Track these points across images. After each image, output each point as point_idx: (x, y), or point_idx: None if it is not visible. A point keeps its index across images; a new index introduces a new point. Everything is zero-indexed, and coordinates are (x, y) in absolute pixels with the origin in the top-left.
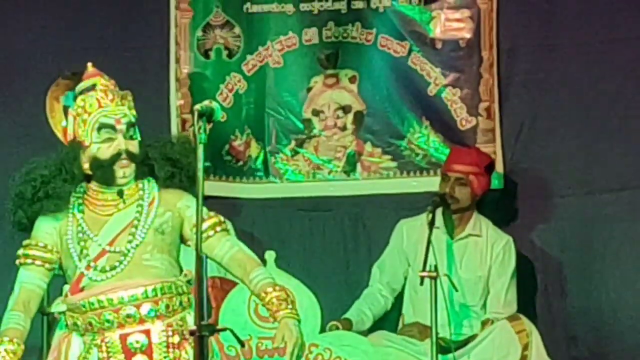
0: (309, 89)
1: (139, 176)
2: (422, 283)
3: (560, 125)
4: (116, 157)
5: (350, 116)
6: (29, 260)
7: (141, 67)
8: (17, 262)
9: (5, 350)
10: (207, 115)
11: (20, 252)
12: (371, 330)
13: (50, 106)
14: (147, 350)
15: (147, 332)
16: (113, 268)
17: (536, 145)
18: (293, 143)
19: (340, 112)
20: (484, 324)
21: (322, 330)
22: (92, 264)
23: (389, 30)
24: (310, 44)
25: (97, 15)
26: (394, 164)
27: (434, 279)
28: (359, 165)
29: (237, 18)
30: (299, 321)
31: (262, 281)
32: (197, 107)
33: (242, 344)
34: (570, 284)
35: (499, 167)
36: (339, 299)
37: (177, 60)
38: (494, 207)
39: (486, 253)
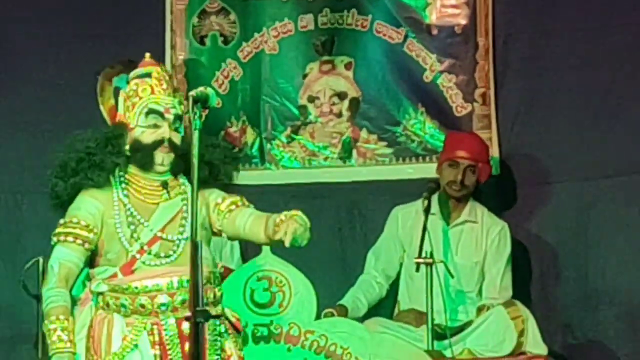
0: (305, 76)
1: (175, 170)
2: (417, 269)
3: (556, 112)
4: (158, 143)
5: (346, 103)
6: (70, 238)
7: (137, 54)
8: (55, 238)
9: (62, 328)
10: (202, 102)
11: (60, 229)
12: (366, 316)
13: (102, 85)
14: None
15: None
16: (167, 256)
17: (532, 131)
18: (289, 129)
19: (335, 99)
20: (479, 310)
21: (318, 317)
22: (145, 247)
23: (385, 16)
24: (306, 30)
25: (92, 2)
26: (389, 150)
27: (429, 265)
28: (354, 152)
29: (233, 4)
30: (303, 219)
31: (276, 217)
32: (193, 93)
33: (239, 331)
34: (566, 270)
35: (495, 153)
36: (334, 285)
37: (173, 47)
38: (490, 193)
39: (482, 239)
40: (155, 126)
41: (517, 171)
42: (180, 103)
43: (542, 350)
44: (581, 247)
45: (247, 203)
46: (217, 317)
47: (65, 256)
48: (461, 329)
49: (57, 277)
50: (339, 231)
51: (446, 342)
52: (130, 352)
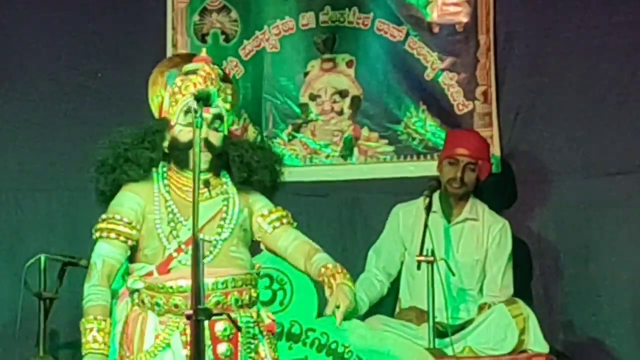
0: (306, 74)
1: (214, 169)
2: (419, 267)
3: (556, 110)
4: (192, 143)
5: (347, 100)
6: (112, 235)
7: (138, 52)
8: (97, 234)
9: (99, 329)
10: (203, 100)
11: (103, 225)
12: (368, 315)
13: (154, 78)
14: (233, 339)
15: (234, 321)
16: (204, 257)
17: (533, 129)
18: (290, 127)
19: (337, 97)
20: (481, 308)
21: (319, 315)
22: (183, 246)
23: (386, 14)
24: (307, 28)
25: (94, 0)
26: (390, 148)
27: (431, 263)
28: (355, 150)
29: (234, 2)
30: (353, 291)
31: (322, 261)
32: (194, 91)
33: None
34: (566, 268)
35: (496, 151)
36: None
37: (174, 45)
38: (491, 191)
39: (483, 236)
40: (192, 124)
41: (518, 169)
42: (225, 101)
43: (544, 348)
44: (582, 245)
45: (291, 220)
46: (218, 314)
47: (108, 253)
48: (462, 327)
49: (100, 274)
50: (340, 229)
51: (447, 340)
52: (162, 351)
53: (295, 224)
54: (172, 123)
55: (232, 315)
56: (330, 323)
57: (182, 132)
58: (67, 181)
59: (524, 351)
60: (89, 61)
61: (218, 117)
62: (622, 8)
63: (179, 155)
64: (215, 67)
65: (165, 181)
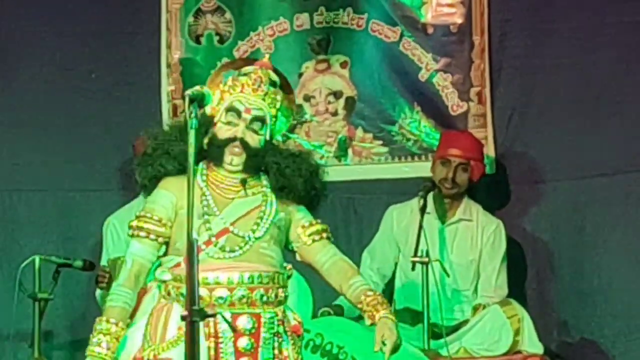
0: (300, 75)
1: (249, 170)
2: (413, 268)
3: (551, 110)
4: (229, 141)
5: (342, 101)
6: (142, 234)
7: (132, 53)
8: (129, 232)
9: (107, 333)
10: (198, 101)
11: (135, 223)
12: (362, 316)
13: (213, 77)
14: (255, 334)
15: (257, 317)
16: (232, 251)
17: (527, 130)
18: None
19: (331, 98)
20: (475, 309)
21: (314, 316)
22: (213, 239)
23: (380, 15)
24: (302, 29)
25: (89, 1)
26: (385, 149)
27: (425, 264)
28: (350, 151)
29: (229, 3)
30: (397, 323)
31: (361, 286)
32: (188, 92)
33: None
34: (561, 269)
35: (491, 152)
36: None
37: (168, 46)
38: (486, 192)
39: (477, 237)
40: (232, 124)
41: (512, 170)
42: (271, 106)
43: (538, 349)
44: (576, 245)
45: (330, 235)
46: (211, 315)
47: (138, 252)
48: (457, 327)
49: (128, 274)
50: (334, 230)
51: (442, 341)
52: (184, 342)
53: (331, 237)
54: (215, 120)
55: (256, 310)
56: (326, 324)
57: (221, 130)
58: (62, 182)
59: (519, 352)
60: (84, 62)
61: (258, 119)
62: (616, 9)
63: (214, 151)
64: (269, 72)
65: (204, 177)
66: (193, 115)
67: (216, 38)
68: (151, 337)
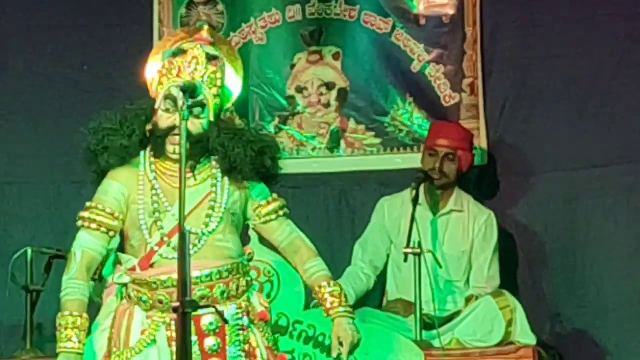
0: (293, 66)
1: (193, 156)
2: (406, 259)
3: (543, 102)
4: (169, 130)
5: (334, 93)
6: (93, 225)
7: (124, 45)
8: (79, 222)
9: (73, 326)
10: (189, 92)
11: (85, 214)
12: (354, 307)
13: (154, 53)
14: (220, 332)
15: (221, 314)
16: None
17: (519, 121)
18: (276, 120)
19: (323, 89)
20: (467, 300)
21: (306, 307)
22: (165, 239)
23: (372, 6)
24: (294, 20)
25: None
26: (377, 140)
27: (417, 255)
28: (342, 142)
29: None
30: (353, 318)
31: (316, 273)
32: (180, 83)
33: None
34: (553, 261)
35: (483, 143)
36: None
37: (160, 38)
38: (478, 183)
39: (468, 228)
40: (169, 111)
41: (504, 161)
42: (212, 85)
43: (531, 339)
44: (568, 237)
45: (287, 211)
46: (205, 307)
47: (88, 244)
48: (449, 318)
49: (78, 265)
50: (326, 221)
51: (434, 332)
52: (147, 347)
53: (287, 212)
54: (156, 107)
55: (219, 307)
56: (318, 315)
57: (161, 118)
58: (54, 174)
59: (511, 343)
60: (75, 54)
61: (197, 104)
62: (608, 1)
63: (156, 141)
64: (206, 47)
65: (152, 166)
66: (185, 106)
67: None
68: (115, 342)
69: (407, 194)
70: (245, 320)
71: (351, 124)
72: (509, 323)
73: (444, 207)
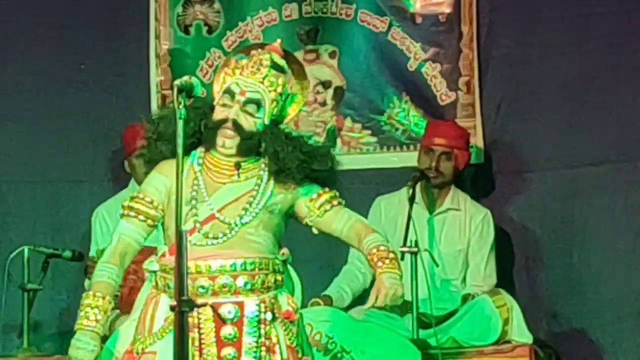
0: None
1: (243, 152)
2: (402, 258)
3: (539, 100)
4: (221, 122)
5: (330, 91)
6: (132, 213)
7: (121, 43)
8: (121, 211)
9: (94, 306)
10: (186, 91)
11: (126, 203)
12: (351, 306)
13: (224, 61)
14: (238, 322)
15: (240, 305)
16: (215, 237)
17: (516, 119)
18: None
19: (320, 88)
20: (464, 298)
21: (304, 306)
22: (197, 225)
23: (369, 5)
24: (290, 19)
25: None
26: (374, 139)
27: (414, 254)
28: (339, 141)
29: None
30: (400, 276)
31: (371, 244)
32: (177, 82)
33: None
34: (550, 259)
35: (479, 141)
36: (319, 275)
37: (157, 37)
38: (474, 181)
39: (465, 226)
40: (226, 106)
41: (501, 159)
42: (270, 89)
43: (527, 338)
44: (565, 235)
45: (341, 200)
46: (201, 306)
47: (126, 231)
48: (446, 317)
49: (112, 250)
50: None
51: (431, 330)
52: (169, 334)
53: (343, 202)
54: (215, 102)
55: (240, 298)
56: (315, 314)
57: (216, 112)
58: (51, 173)
59: (508, 341)
60: (73, 53)
61: (253, 101)
62: None
63: (208, 134)
64: (273, 55)
65: (201, 160)
66: (182, 105)
67: (205, 28)
68: (141, 329)
69: (403, 193)
70: (269, 316)
71: (347, 122)
72: (506, 322)
73: (440, 206)
